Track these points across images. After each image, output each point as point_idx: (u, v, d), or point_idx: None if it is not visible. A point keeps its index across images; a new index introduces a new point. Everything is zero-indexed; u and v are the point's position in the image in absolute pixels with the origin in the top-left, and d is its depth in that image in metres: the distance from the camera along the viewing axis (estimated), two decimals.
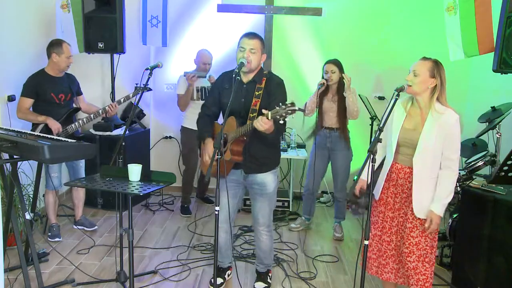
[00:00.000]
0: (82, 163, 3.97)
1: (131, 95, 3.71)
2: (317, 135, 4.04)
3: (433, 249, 2.55)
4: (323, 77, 3.91)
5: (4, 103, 3.86)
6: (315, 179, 4.09)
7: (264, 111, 2.53)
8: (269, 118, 2.49)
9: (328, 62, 3.92)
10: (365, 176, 2.66)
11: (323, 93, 3.94)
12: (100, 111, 3.77)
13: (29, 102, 3.67)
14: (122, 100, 3.74)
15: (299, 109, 2.49)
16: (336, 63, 3.90)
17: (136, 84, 3.59)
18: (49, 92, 3.68)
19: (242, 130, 2.71)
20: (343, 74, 3.83)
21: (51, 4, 4.64)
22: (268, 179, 2.96)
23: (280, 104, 2.47)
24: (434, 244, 2.55)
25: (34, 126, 3.67)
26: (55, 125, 3.63)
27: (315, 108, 3.90)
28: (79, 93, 4.00)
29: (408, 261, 2.51)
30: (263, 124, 2.52)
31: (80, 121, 3.78)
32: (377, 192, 2.66)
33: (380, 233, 2.66)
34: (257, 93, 2.82)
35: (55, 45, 3.70)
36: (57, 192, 3.91)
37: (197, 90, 4.42)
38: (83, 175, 3.96)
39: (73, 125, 3.76)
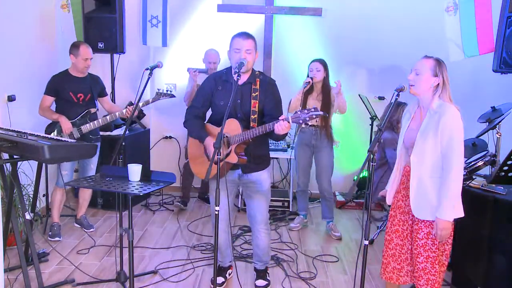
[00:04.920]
0: (93, 165, 3.99)
1: (150, 100, 3.73)
2: (301, 132, 4.10)
3: (444, 252, 2.48)
4: (308, 76, 3.94)
5: (4, 103, 3.86)
6: (304, 175, 4.18)
7: (283, 116, 2.59)
8: (290, 122, 2.56)
9: (313, 60, 3.97)
10: (388, 187, 2.68)
11: (308, 91, 3.97)
12: (118, 113, 3.80)
13: (49, 100, 3.78)
14: (141, 104, 3.76)
15: (324, 114, 2.58)
16: (322, 62, 3.95)
17: (158, 89, 3.66)
18: (67, 91, 3.76)
19: (254, 132, 2.70)
20: (335, 82, 3.89)
21: (51, 4, 4.64)
22: (264, 177, 2.99)
23: (301, 108, 2.54)
24: (446, 247, 2.48)
25: (53, 122, 3.77)
26: (66, 124, 3.70)
27: (299, 106, 3.91)
28: (103, 94, 4.03)
29: (417, 261, 2.48)
30: (285, 128, 2.58)
31: (96, 122, 3.82)
32: (390, 197, 2.66)
33: (396, 239, 2.61)
34: (254, 94, 2.83)
35: (73, 47, 3.78)
36: (65, 190, 3.95)
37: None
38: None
39: (87, 125, 3.80)
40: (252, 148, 2.85)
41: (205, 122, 3.03)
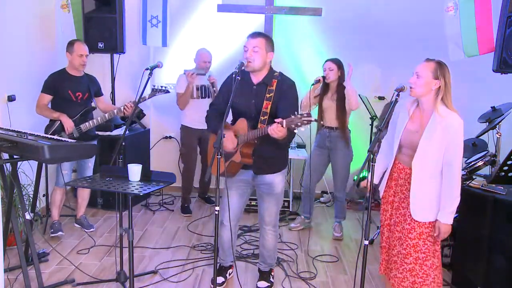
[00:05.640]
0: (91, 163, 3.99)
1: (147, 97, 3.71)
2: (318, 133, 4.06)
3: (436, 253, 2.50)
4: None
5: (4, 103, 3.86)
6: (313, 178, 4.11)
7: (278, 120, 2.51)
8: (284, 126, 2.49)
9: (327, 60, 3.94)
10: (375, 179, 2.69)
11: (323, 92, 3.94)
12: (116, 111, 3.79)
13: (47, 98, 3.76)
14: (137, 100, 3.75)
15: (315, 120, 2.51)
16: (336, 61, 3.90)
17: (153, 85, 3.65)
18: (66, 89, 3.75)
19: (254, 134, 2.70)
20: (348, 63, 3.79)
21: (51, 4, 4.64)
22: (277, 180, 2.96)
23: (296, 113, 2.47)
24: (436, 247, 2.50)
25: (51, 122, 3.75)
26: (67, 122, 3.69)
27: (310, 105, 3.87)
28: (99, 94, 4.04)
29: (405, 262, 2.49)
30: (277, 131, 2.51)
31: (95, 120, 3.82)
32: (381, 190, 2.69)
33: (387, 232, 2.65)
34: (268, 95, 2.79)
35: (68, 45, 3.80)
36: (65, 190, 3.95)
37: (197, 88, 4.41)
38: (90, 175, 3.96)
39: (86, 123, 3.79)
40: (260, 149, 2.82)
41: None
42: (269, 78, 2.83)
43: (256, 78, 2.84)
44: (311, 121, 2.44)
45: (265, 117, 2.76)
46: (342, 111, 3.87)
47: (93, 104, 3.97)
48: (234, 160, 2.81)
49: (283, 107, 2.76)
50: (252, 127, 2.77)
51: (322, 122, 3.96)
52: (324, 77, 3.85)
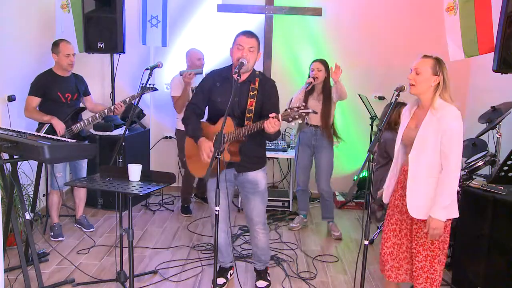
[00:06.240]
0: (84, 163, 3.98)
1: (136, 95, 3.68)
2: (301, 131, 4.09)
3: (444, 250, 2.49)
4: (309, 76, 3.92)
5: (4, 103, 3.87)
6: (304, 175, 4.16)
7: (273, 114, 2.55)
8: (280, 120, 2.53)
9: (315, 60, 3.96)
10: (385, 185, 2.68)
11: (309, 92, 3.96)
12: (106, 110, 3.76)
13: (36, 101, 3.69)
14: (127, 100, 3.74)
15: (313, 112, 2.55)
16: (323, 62, 3.93)
17: (142, 83, 3.59)
18: (55, 91, 3.70)
19: (246, 130, 2.70)
20: (335, 63, 3.80)
21: (51, 4, 4.64)
22: (260, 177, 2.98)
23: (294, 108, 2.52)
24: (445, 245, 2.49)
25: (40, 125, 3.69)
26: (59, 125, 3.64)
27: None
28: (87, 93, 4.01)
29: (416, 260, 2.49)
30: (274, 125, 2.55)
31: (86, 121, 3.78)
32: (387, 195, 2.66)
33: (394, 238, 2.61)
34: (252, 93, 2.84)
35: (53, 46, 3.73)
36: (61, 192, 3.93)
37: (191, 90, 4.29)
38: (85, 176, 3.95)
39: (78, 124, 3.76)
40: (246, 147, 2.84)
41: (203, 119, 3.02)
42: (252, 77, 2.87)
43: (241, 77, 2.85)
44: (309, 112, 2.50)
45: (251, 115, 2.80)
46: (327, 110, 3.91)
47: (81, 105, 3.93)
48: (224, 160, 2.80)
49: (268, 106, 2.82)
50: (237, 125, 2.78)
51: (306, 121, 4.00)
52: (314, 78, 3.87)
